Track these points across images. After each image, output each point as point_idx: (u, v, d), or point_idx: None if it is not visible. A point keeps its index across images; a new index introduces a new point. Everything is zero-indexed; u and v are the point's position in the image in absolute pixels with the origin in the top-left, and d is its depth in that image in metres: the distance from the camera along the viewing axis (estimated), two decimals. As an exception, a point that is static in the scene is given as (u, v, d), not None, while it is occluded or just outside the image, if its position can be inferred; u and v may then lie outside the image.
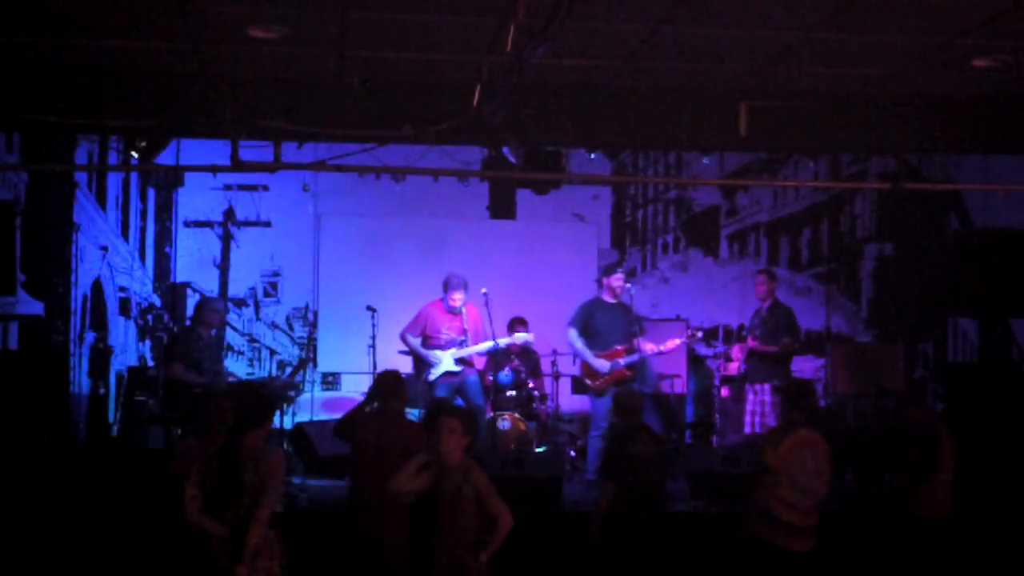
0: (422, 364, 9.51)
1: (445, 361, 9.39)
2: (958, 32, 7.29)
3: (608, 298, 9.53)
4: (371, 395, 6.96)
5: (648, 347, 9.46)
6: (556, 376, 10.75)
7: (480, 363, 9.97)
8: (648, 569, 6.68)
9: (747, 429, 9.81)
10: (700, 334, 10.25)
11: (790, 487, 6.28)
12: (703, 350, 12.29)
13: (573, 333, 9.44)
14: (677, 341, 9.68)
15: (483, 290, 9.60)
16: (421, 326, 9.51)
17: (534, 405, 10.30)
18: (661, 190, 13.23)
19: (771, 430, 6.67)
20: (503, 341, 9.70)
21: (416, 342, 9.49)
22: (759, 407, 9.62)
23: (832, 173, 12.61)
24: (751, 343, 9.97)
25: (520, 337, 9.83)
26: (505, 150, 9.08)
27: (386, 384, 6.98)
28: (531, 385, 10.37)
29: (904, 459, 7.18)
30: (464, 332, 9.42)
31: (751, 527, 6.39)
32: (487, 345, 9.57)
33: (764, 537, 6.31)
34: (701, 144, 9.76)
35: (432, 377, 9.39)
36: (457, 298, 9.44)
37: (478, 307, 9.69)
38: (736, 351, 10.23)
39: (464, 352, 9.44)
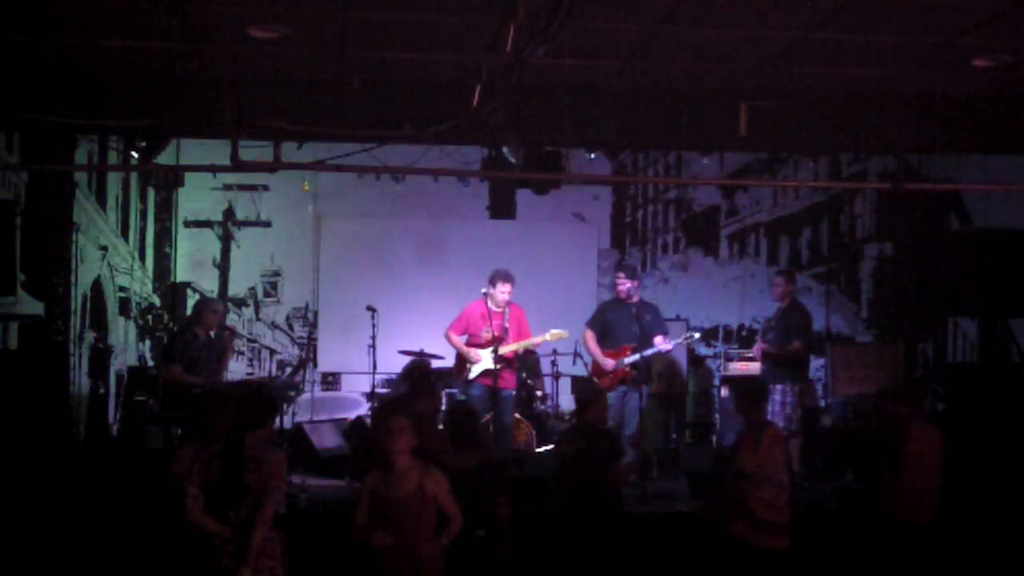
0: (463, 362, 9.48)
1: (484, 359, 9.33)
2: (958, 32, 7.29)
3: (621, 298, 9.69)
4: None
5: (658, 341, 9.49)
6: (556, 376, 10.77)
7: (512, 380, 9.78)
8: (616, 566, 6.67)
9: None
10: (697, 335, 10.26)
11: (769, 486, 6.30)
12: (703, 350, 12.30)
13: (587, 333, 9.70)
14: (669, 346, 9.68)
15: (483, 290, 9.59)
16: (464, 324, 9.50)
17: (534, 405, 10.30)
18: (661, 190, 13.24)
19: (742, 434, 6.64)
20: (539, 339, 9.66)
21: (459, 340, 9.46)
22: (770, 407, 9.61)
23: (832, 173, 12.61)
24: (761, 345, 10.03)
25: (554, 333, 9.74)
26: (505, 150, 9.08)
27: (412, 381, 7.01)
28: (531, 385, 10.36)
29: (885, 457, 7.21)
30: (505, 330, 9.32)
31: (728, 529, 6.39)
32: (527, 343, 9.47)
33: (745, 538, 6.32)
34: (701, 144, 9.78)
35: (471, 375, 9.35)
36: (506, 291, 9.34)
37: (522, 307, 9.65)
38: (757, 351, 10.26)
39: (503, 350, 9.29)
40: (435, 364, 10.31)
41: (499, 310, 9.36)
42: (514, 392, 9.67)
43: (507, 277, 9.36)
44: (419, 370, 7.42)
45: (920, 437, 6.89)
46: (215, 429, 5.85)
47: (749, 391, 6.80)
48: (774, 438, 6.49)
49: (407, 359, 9.69)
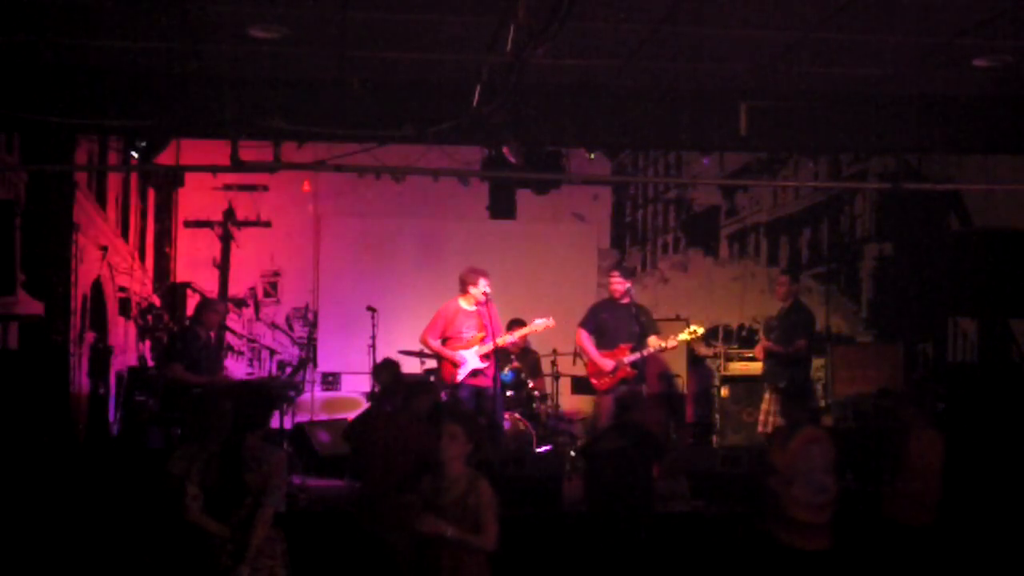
0: (447, 366, 9.31)
1: (470, 359, 9.27)
2: (958, 32, 7.30)
3: (614, 298, 9.62)
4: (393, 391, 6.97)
5: (652, 341, 9.47)
6: (556, 376, 10.76)
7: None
8: (633, 566, 6.66)
9: (760, 428, 9.84)
10: (701, 330, 10.17)
11: (803, 485, 6.28)
12: (703, 350, 12.28)
13: (582, 334, 9.57)
14: (675, 343, 9.67)
15: (482, 291, 9.56)
16: (440, 328, 9.27)
17: (534, 405, 10.29)
18: (661, 190, 13.23)
19: (776, 431, 6.69)
20: (526, 330, 9.63)
21: (438, 344, 9.30)
22: (775, 406, 9.60)
23: (832, 173, 12.60)
24: (764, 343, 10.03)
25: (540, 323, 9.64)
26: (505, 150, 9.08)
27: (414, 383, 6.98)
28: (531, 385, 10.35)
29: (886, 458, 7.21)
30: (485, 328, 9.22)
31: (764, 526, 6.37)
32: (508, 338, 9.42)
33: (779, 537, 6.29)
34: (701, 144, 9.76)
35: (459, 377, 9.22)
36: (487, 284, 9.13)
37: (517, 306, 9.60)
38: (759, 349, 10.25)
39: (487, 348, 9.14)
40: (426, 365, 10.29)
41: (473, 309, 9.26)
42: (505, 391, 9.62)
43: (485, 271, 9.27)
44: (393, 371, 7.34)
45: (921, 439, 6.87)
46: (214, 429, 5.86)
47: (787, 392, 6.85)
48: (811, 438, 6.43)
49: (405, 359, 9.72)
